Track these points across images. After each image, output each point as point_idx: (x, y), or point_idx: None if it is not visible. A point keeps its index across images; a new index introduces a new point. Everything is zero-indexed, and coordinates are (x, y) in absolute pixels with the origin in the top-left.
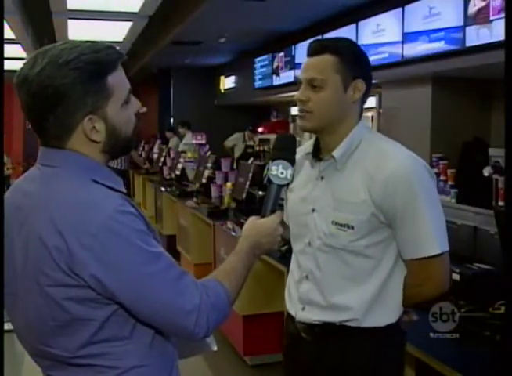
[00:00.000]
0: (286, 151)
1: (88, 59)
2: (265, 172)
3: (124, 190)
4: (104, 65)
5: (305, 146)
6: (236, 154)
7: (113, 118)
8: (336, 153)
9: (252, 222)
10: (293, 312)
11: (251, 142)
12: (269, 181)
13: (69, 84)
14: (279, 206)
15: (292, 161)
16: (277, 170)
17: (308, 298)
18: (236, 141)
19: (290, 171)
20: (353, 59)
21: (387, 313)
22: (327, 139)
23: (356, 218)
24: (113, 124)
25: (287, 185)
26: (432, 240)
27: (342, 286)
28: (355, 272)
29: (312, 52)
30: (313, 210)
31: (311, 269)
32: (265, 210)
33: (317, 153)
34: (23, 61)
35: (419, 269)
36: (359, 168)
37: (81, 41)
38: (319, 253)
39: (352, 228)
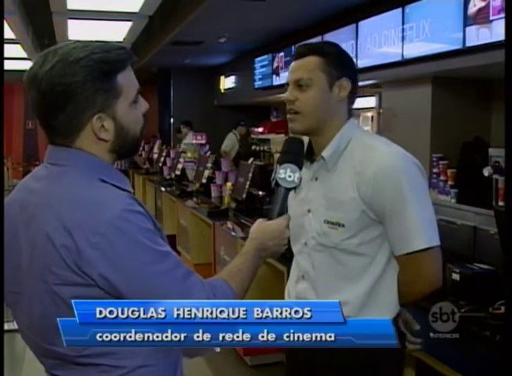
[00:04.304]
0: (294, 155)
1: (99, 58)
2: (273, 175)
3: (131, 190)
4: (114, 64)
5: None
6: (232, 155)
7: (121, 117)
8: (325, 153)
9: (259, 224)
10: None
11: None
12: (277, 184)
13: (79, 82)
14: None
15: (300, 165)
16: (285, 173)
17: (304, 298)
18: (232, 142)
19: (297, 175)
20: (337, 59)
21: (381, 310)
22: (317, 140)
23: (346, 216)
24: (121, 123)
25: (295, 188)
26: (419, 235)
27: (336, 285)
28: (348, 271)
29: (298, 55)
30: (309, 211)
31: (306, 269)
32: (272, 213)
33: (310, 155)
34: (23, 61)
35: (408, 265)
36: (348, 166)
37: (92, 41)
38: (314, 253)
39: (343, 226)
